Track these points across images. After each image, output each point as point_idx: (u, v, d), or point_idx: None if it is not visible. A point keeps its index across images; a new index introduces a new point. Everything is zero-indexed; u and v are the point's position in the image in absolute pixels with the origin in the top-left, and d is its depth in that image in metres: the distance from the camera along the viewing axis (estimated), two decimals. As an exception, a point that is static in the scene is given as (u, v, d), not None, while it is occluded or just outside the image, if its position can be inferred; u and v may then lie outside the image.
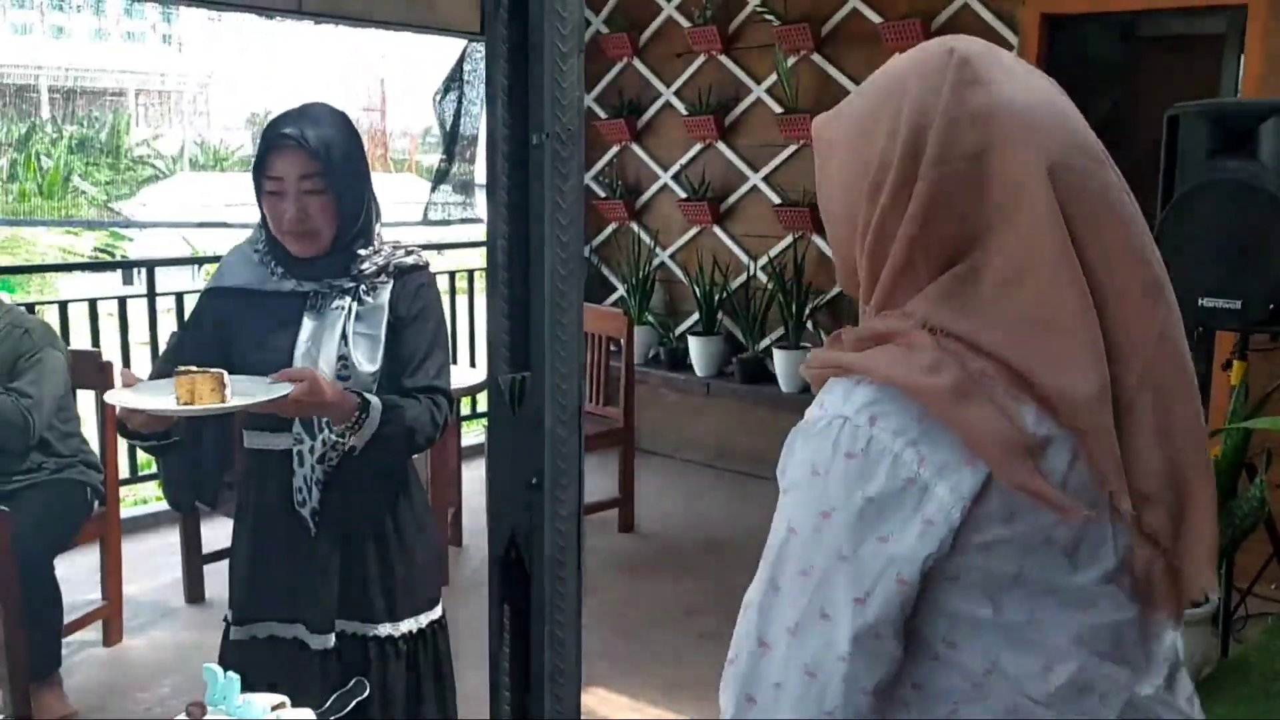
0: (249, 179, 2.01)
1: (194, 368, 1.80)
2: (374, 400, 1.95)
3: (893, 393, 0.91)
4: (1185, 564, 0.96)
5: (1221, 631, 3.35)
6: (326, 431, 1.95)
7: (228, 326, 2.04)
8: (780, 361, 5.17)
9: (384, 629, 2.07)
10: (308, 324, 1.98)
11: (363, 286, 2.01)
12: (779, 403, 5.22)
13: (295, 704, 1.68)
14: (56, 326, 4.17)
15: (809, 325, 5.15)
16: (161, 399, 1.80)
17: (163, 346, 4.19)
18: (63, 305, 4.43)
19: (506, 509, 1.93)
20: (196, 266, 10.29)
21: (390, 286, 2.03)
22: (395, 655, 2.08)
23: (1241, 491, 3.14)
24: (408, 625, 2.10)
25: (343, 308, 1.99)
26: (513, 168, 1.84)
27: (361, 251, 2.02)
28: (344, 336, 1.98)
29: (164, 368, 2.01)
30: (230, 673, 1.39)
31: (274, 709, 1.37)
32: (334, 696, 1.49)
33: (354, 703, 1.50)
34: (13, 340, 3.05)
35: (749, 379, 5.32)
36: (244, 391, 1.83)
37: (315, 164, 1.92)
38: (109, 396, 1.91)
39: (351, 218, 1.99)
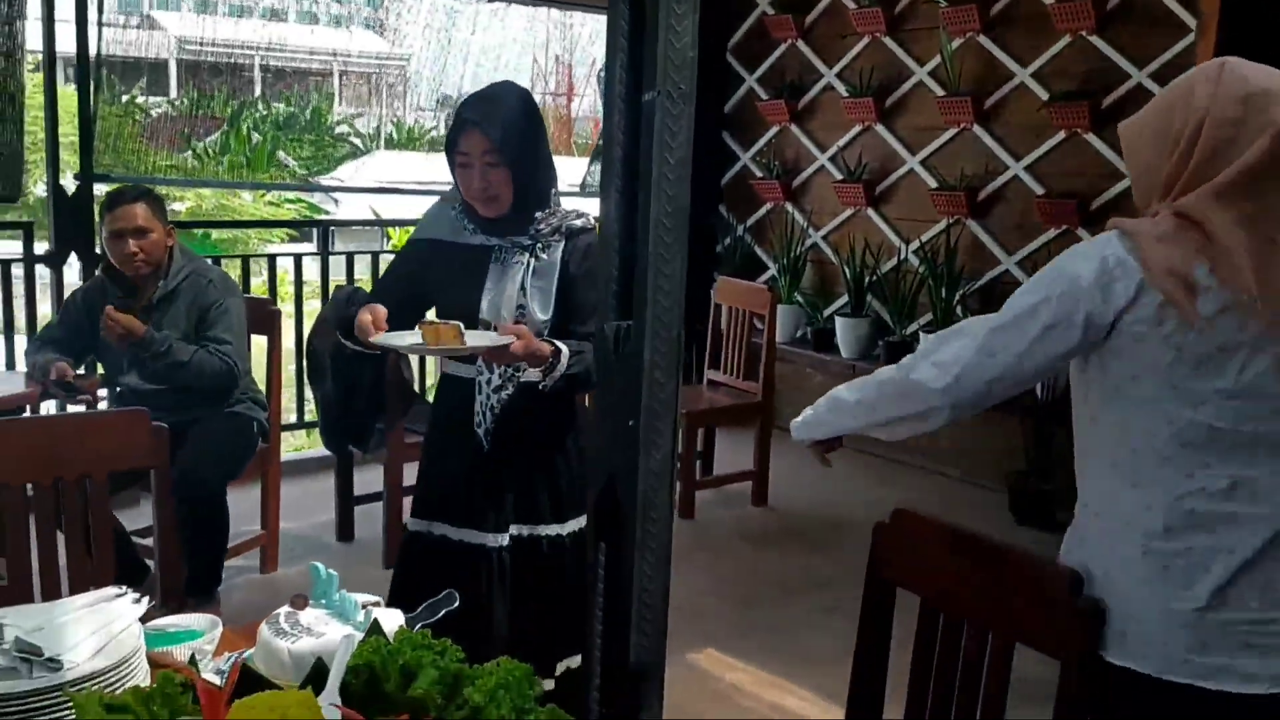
0: (438, 157, 2.33)
1: (437, 320, 2.12)
2: (563, 348, 2.19)
3: (1126, 235, 1.53)
4: None
5: None
6: (500, 367, 2.25)
7: (425, 271, 2.34)
8: (928, 347, 5.11)
9: (552, 529, 2.33)
10: (492, 274, 2.28)
11: (539, 245, 2.29)
12: (924, 388, 5.15)
13: (463, 601, 1.94)
14: (238, 279, 4.52)
15: (959, 310, 5.07)
16: (411, 339, 2.11)
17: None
18: (245, 260, 4.79)
19: (607, 452, 2.02)
20: (380, 231, 10.81)
21: (563, 246, 2.31)
22: (563, 551, 2.33)
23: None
24: (573, 525, 2.34)
25: (521, 262, 2.28)
26: (627, 124, 1.93)
27: (539, 214, 2.29)
28: (522, 288, 2.27)
29: (363, 302, 2.24)
30: (331, 571, 1.53)
31: (364, 606, 1.50)
32: (424, 605, 1.61)
33: (443, 612, 1.62)
34: (198, 288, 3.34)
35: (894, 362, 5.25)
36: (475, 340, 2.12)
37: (494, 142, 2.20)
38: (374, 339, 2.12)
39: (528, 186, 2.26)
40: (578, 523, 2.36)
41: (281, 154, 24.81)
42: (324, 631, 1.42)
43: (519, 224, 2.28)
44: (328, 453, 4.04)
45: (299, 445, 5.31)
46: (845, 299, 5.55)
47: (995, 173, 5.02)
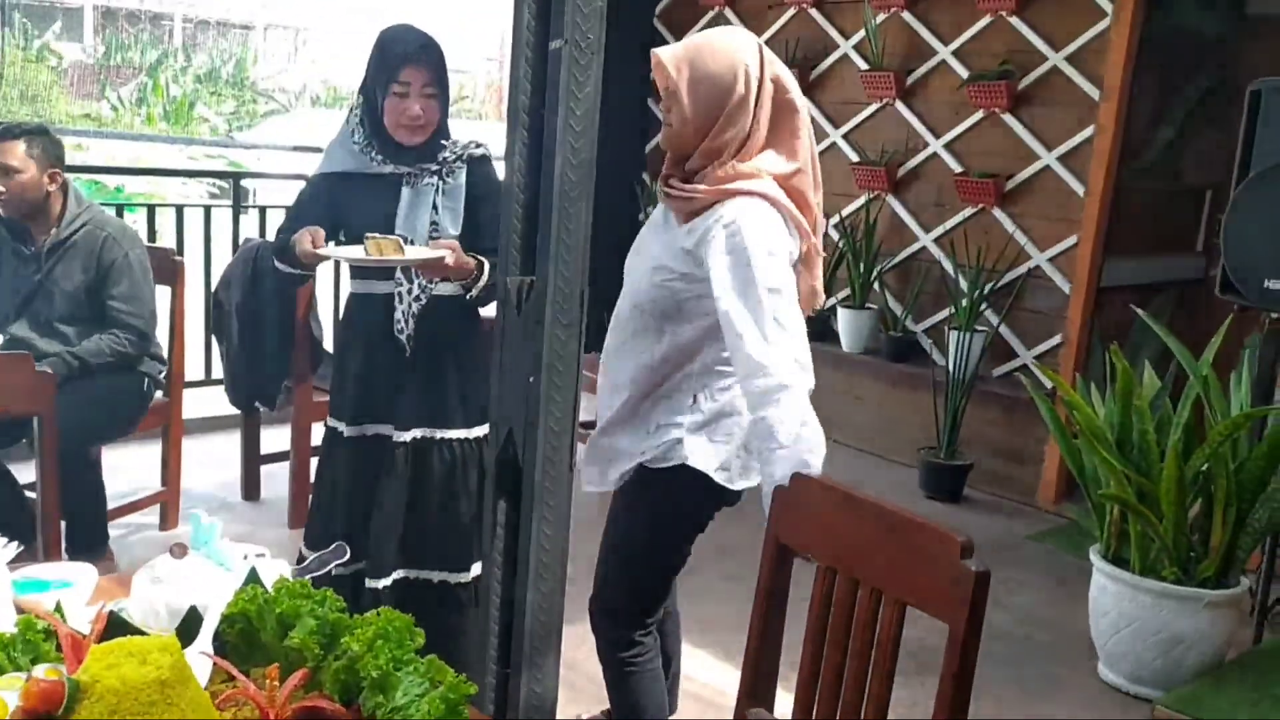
0: None
1: (378, 234, 2.32)
2: (485, 261, 2.42)
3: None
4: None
5: (1257, 620, 3.29)
6: (419, 279, 2.46)
7: (336, 201, 2.49)
8: (844, 321, 5.16)
9: (457, 434, 2.54)
10: (405, 196, 2.47)
11: (445, 170, 2.48)
12: (838, 362, 5.21)
13: (378, 492, 2.44)
14: (144, 229, 4.38)
15: (876, 286, 5.12)
16: (355, 252, 2.33)
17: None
18: (150, 209, 4.64)
19: (508, 408, 2.00)
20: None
21: (465, 170, 2.51)
22: (466, 456, 2.55)
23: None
24: (478, 432, 2.55)
25: (432, 185, 2.47)
26: (534, 74, 1.89)
27: (444, 142, 2.49)
28: (434, 207, 2.47)
29: (286, 233, 2.48)
30: (212, 520, 1.48)
31: (245, 557, 1.46)
32: (313, 556, 1.58)
33: (333, 564, 1.59)
34: (94, 240, 3.17)
35: (811, 336, 5.27)
36: (414, 253, 2.35)
37: (433, 74, 2.41)
38: (321, 250, 2.34)
39: (445, 117, 2.48)
40: (482, 429, 2.54)
41: (202, 107, 24.17)
42: (201, 580, 1.38)
43: (430, 152, 2.47)
44: (235, 410, 3.93)
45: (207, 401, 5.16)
46: (765, 271, 5.57)
47: (915, 149, 5.07)
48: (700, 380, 2.17)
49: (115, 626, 1.17)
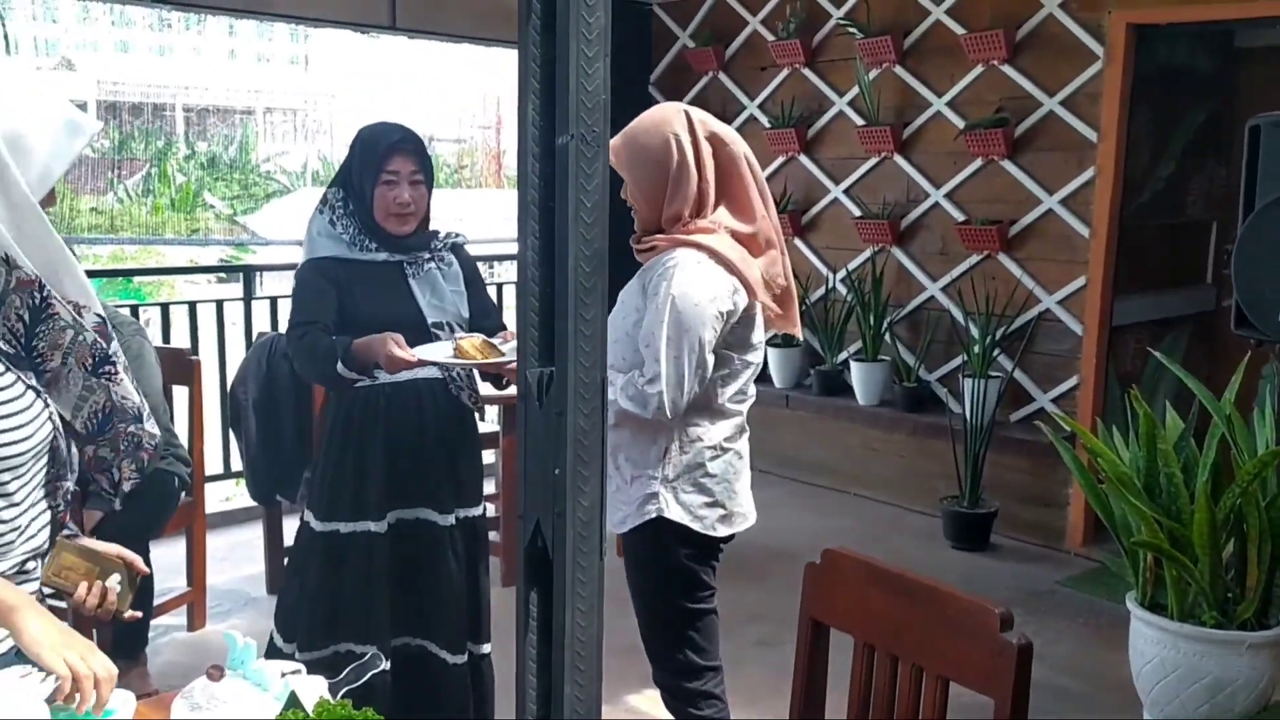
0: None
1: (467, 333, 2.45)
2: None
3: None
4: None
5: (1300, 659, 3.23)
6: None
7: (341, 291, 2.48)
8: (858, 374, 5.15)
9: (478, 510, 2.64)
10: (415, 285, 2.52)
11: (438, 257, 2.56)
12: (855, 415, 5.20)
13: (427, 578, 2.49)
14: (159, 326, 4.41)
15: (887, 338, 5.12)
16: (442, 351, 2.39)
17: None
18: (164, 307, 4.68)
19: (534, 499, 2.01)
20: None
21: (453, 256, 2.60)
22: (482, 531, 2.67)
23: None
24: (465, 512, 2.61)
25: (433, 270, 2.54)
26: (542, 168, 1.92)
27: (432, 230, 2.58)
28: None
29: (305, 327, 2.47)
30: (248, 640, 1.48)
31: (283, 675, 1.45)
32: (348, 669, 1.57)
33: (369, 675, 1.58)
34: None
35: (826, 391, 5.31)
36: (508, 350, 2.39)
37: (419, 163, 2.48)
38: (408, 356, 2.35)
39: (429, 205, 2.54)
40: (468, 511, 2.61)
41: (207, 194, 24.47)
42: (240, 705, 1.37)
43: (422, 239, 2.54)
44: (255, 503, 3.93)
45: (229, 496, 5.17)
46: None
47: (917, 200, 5.10)
48: (670, 433, 2.19)
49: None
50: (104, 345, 1.59)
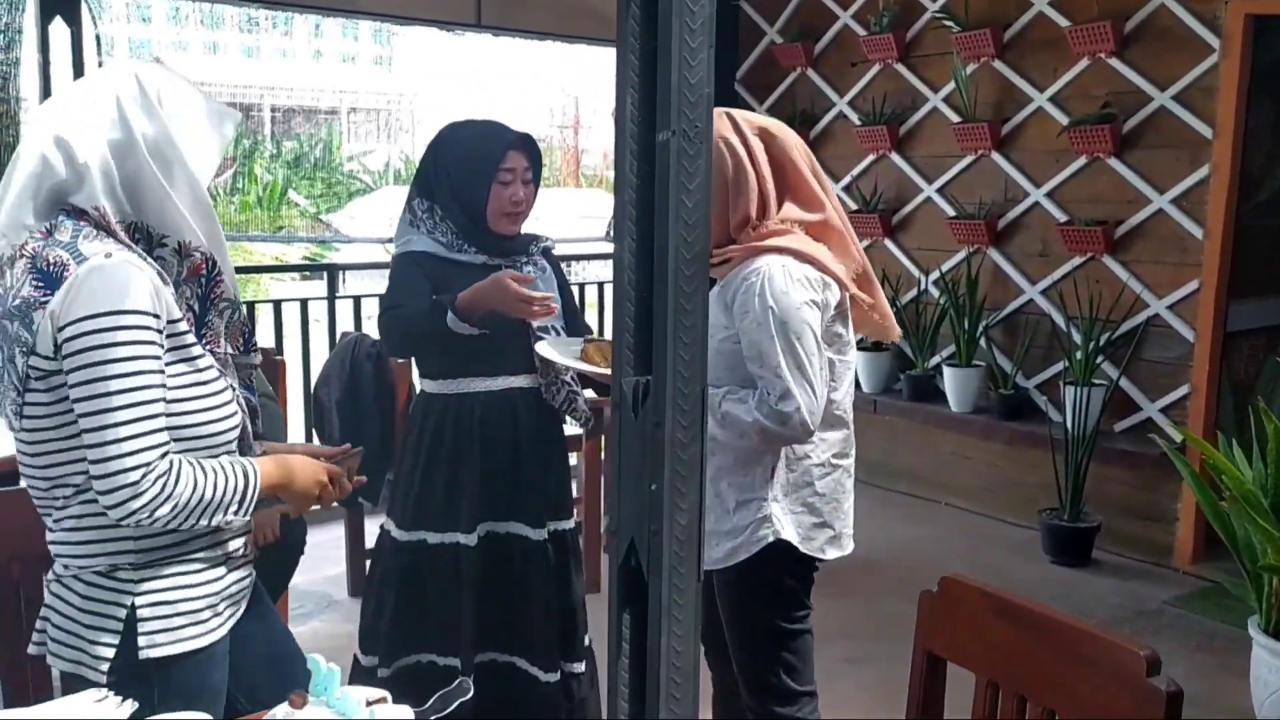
0: None
1: (596, 336, 2.42)
2: None
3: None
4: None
5: None
6: (568, 373, 2.50)
7: (438, 285, 2.39)
8: (950, 380, 4.97)
9: (570, 523, 2.56)
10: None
11: (534, 261, 2.51)
12: (946, 422, 5.02)
13: (517, 593, 2.43)
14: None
15: (982, 343, 4.93)
16: (569, 354, 2.34)
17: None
18: (250, 305, 4.68)
19: (628, 516, 1.90)
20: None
21: (544, 261, 2.56)
22: (573, 545, 2.58)
23: None
24: (556, 525, 2.54)
25: (531, 274, 2.45)
26: (640, 166, 1.82)
27: (528, 234, 2.53)
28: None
29: (400, 306, 2.42)
30: (332, 665, 1.40)
31: (370, 703, 1.37)
32: (436, 696, 1.49)
33: (457, 703, 1.49)
34: None
35: (916, 396, 5.14)
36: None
37: (532, 162, 2.43)
38: (543, 352, 2.38)
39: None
40: (557, 524, 2.54)
41: (292, 192, 24.87)
42: (325, 737, 1.29)
43: (521, 243, 2.49)
44: (336, 504, 3.89)
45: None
46: (864, 332, 5.42)
47: (1015, 200, 4.90)
48: (776, 450, 2.08)
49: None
50: (249, 325, 1.65)
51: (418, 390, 2.61)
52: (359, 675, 2.52)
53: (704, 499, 1.92)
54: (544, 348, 2.36)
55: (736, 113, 2.14)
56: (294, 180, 25.89)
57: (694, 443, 1.85)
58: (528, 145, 2.44)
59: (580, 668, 2.54)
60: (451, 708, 1.48)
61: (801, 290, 2.03)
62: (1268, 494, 2.88)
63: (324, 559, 4.20)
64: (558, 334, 2.52)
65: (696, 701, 1.92)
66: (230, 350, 1.60)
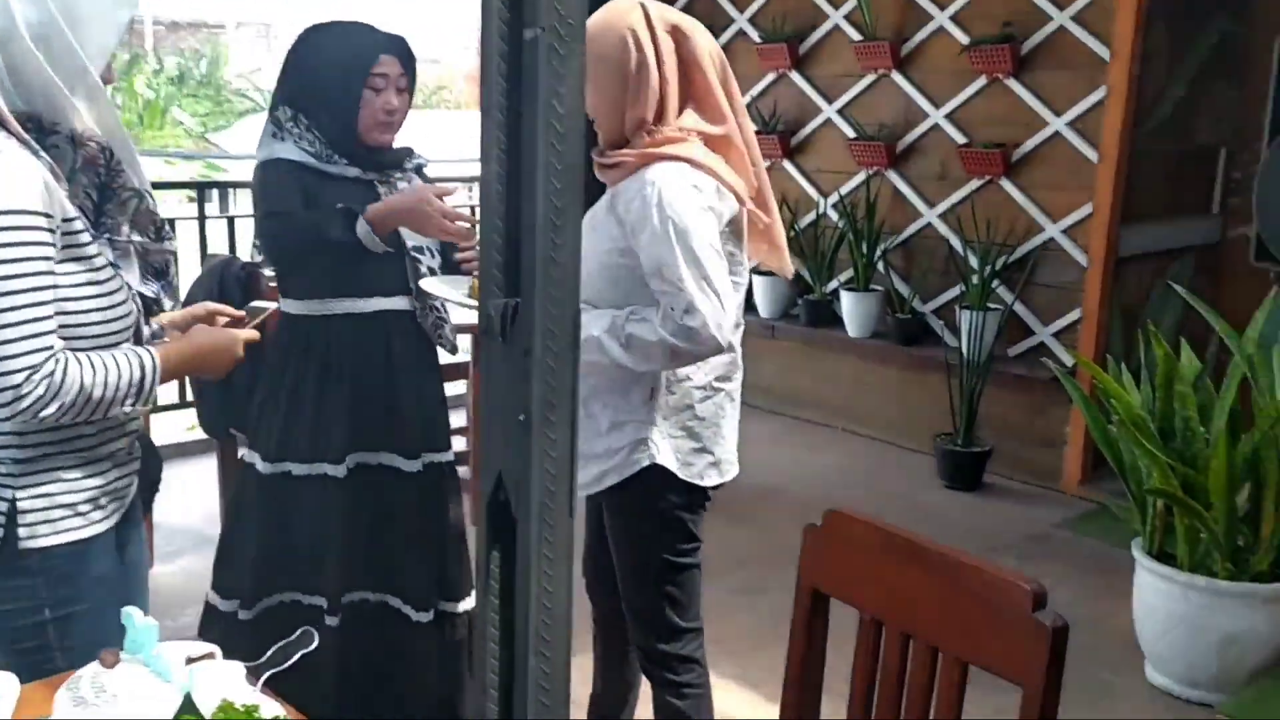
0: None
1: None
2: None
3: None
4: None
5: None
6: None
7: (312, 197, 2.22)
8: (848, 304, 4.92)
9: (449, 455, 2.42)
10: None
11: (407, 179, 2.34)
12: (844, 348, 4.99)
13: (383, 527, 2.26)
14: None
15: (880, 267, 4.88)
16: (455, 292, 2.12)
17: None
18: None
19: (496, 448, 1.78)
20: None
21: (419, 180, 2.38)
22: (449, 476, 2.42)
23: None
24: (433, 457, 2.38)
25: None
26: (509, 70, 1.66)
27: (401, 147, 2.34)
28: None
29: (280, 217, 2.24)
30: (149, 620, 1.25)
31: (192, 660, 1.23)
32: (274, 648, 1.35)
33: (299, 654, 1.36)
34: None
35: (814, 322, 5.09)
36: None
37: (406, 67, 2.25)
38: (427, 287, 2.20)
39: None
40: (434, 455, 2.39)
41: (176, 110, 23.77)
42: (133, 699, 1.14)
43: (395, 156, 2.32)
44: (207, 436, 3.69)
45: (191, 425, 4.92)
46: (763, 256, 5.33)
47: (915, 121, 4.82)
48: (656, 372, 1.98)
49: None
50: (158, 214, 1.61)
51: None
52: (215, 621, 2.37)
53: (577, 431, 1.79)
54: (432, 284, 2.19)
55: (654, 5, 1.98)
56: (178, 98, 24.74)
57: (566, 370, 1.70)
58: (400, 48, 2.26)
59: (460, 607, 2.42)
60: (293, 659, 1.35)
61: (698, 197, 1.92)
62: (1155, 418, 2.87)
63: (199, 493, 4.00)
64: (433, 255, 2.35)
65: (569, 644, 1.81)
66: (140, 239, 1.58)
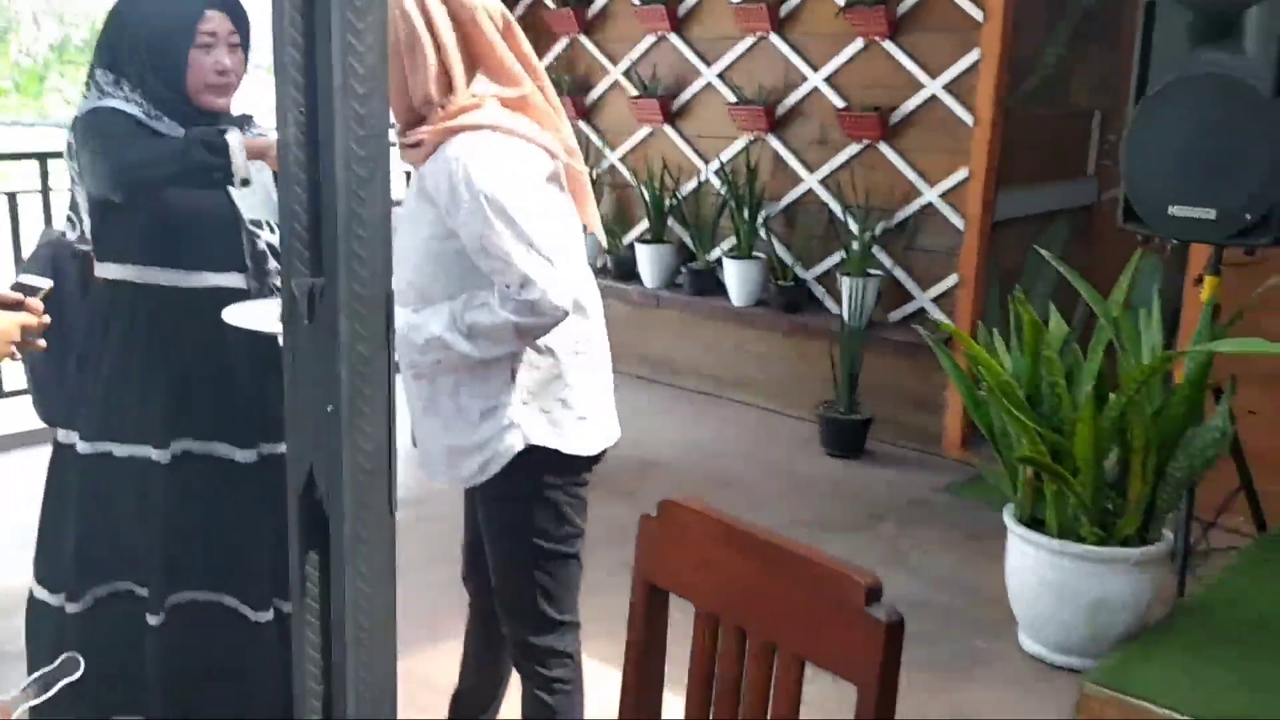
0: None
1: None
2: None
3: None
4: None
5: (1179, 568, 3.10)
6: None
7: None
8: (731, 272, 4.85)
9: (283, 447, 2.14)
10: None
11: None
12: (728, 316, 4.92)
13: (212, 520, 2.11)
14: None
15: (762, 233, 4.82)
16: (272, 319, 1.90)
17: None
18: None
19: (304, 440, 1.64)
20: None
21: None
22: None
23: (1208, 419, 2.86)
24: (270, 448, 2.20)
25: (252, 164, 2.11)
26: (305, 23, 1.51)
27: (240, 115, 2.19)
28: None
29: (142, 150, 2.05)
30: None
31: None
32: (32, 678, 1.21)
33: (62, 683, 1.22)
34: None
35: (699, 290, 5.01)
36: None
37: (237, 24, 2.12)
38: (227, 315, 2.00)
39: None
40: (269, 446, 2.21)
41: (56, 78, 22.73)
42: None
43: (232, 122, 2.15)
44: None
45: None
46: (645, 225, 5.23)
47: (795, 85, 4.75)
48: (512, 355, 1.87)
49: None
50: None
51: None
52: (43, 617, 2.20)
53: (394, 420, 1.64)
54: (239, 313, 1.99)
55: None
56: (57, 65, 23.68)
57: (378, 356, 1.56)
58: (228, 3, 2.11)
59: None
60: (54, 690, 1.21)
61: (507, 163, 1.81)
62: (1023, 385, 2.85)
63: (30, 487, 3.76)
64: (272, 231, 2.18)
65: (393, 651, 1.68)
66: None
